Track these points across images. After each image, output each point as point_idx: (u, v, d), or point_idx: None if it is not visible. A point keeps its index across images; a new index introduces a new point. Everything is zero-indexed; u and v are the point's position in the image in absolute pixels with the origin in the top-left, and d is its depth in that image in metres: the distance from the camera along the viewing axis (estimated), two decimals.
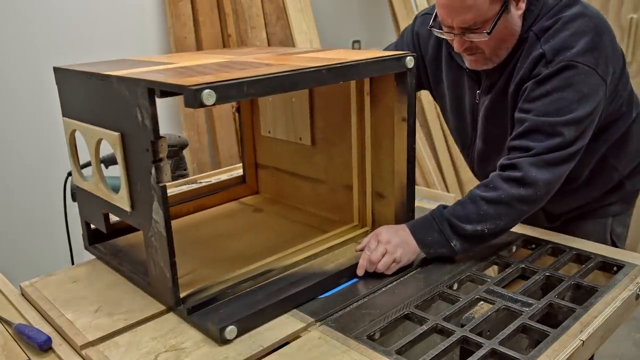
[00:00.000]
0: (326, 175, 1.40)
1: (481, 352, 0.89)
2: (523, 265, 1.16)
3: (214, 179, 1.68)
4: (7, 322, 1.05)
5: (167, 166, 0.96)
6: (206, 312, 1.02)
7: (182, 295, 1.04)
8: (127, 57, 1.40)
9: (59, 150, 2.45)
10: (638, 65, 3.20)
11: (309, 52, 1.30)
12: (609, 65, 1.18)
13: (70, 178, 1.84)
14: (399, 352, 0.90)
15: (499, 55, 1.24)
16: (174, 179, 1.88)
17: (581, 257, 1.20)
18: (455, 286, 1.12)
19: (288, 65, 1.03)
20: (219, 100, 0.88)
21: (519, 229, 1.33)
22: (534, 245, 1.27)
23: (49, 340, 0.97)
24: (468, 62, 1.28)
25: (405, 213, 1.25)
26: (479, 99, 1.33)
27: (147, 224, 1.03)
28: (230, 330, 0.95)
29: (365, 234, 1.29)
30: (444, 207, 1.19)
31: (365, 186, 1.31)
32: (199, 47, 2.70)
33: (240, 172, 1.67)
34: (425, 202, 1.55)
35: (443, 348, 0.90)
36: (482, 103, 1.32)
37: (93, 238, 1.31)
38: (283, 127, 1.47)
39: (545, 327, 0.95)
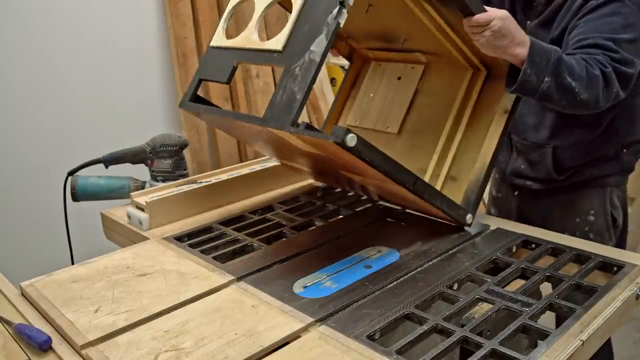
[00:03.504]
0: (402, 160, 1.38)
1: (481, 352, 0.89)
2: (523, 265, 1.16)
3: (213, 179, 1.68)
4: (7, 322, 1.05)
5: None
6: None
7: None
8: None
9: (58, 150, 2.45)
10: None
11: None
12: None
13: (70, 178, 1.84)
14: (399, 352, 0.90)
15: None
16: (174, 179, 1.88)
17: (581, 257, 1.20)
18: (455, 286, 1.12)
19: None
20: None
21: (519, 229, 1.33)
22: (533, 245, 1.27)
23: (49, 340, 0.97)
24: None
25: (478, 189, 1.32)
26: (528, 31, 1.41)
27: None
28: None
29: None
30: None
31: (440, 170, 1.39)
32: (199, 47, 2.70)
33: (242, 171, 1.71)
34: None
35: (443, 348, 0.90)
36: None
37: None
38: (374, 116, 1.55)
39: (545, 327, 0.95)
